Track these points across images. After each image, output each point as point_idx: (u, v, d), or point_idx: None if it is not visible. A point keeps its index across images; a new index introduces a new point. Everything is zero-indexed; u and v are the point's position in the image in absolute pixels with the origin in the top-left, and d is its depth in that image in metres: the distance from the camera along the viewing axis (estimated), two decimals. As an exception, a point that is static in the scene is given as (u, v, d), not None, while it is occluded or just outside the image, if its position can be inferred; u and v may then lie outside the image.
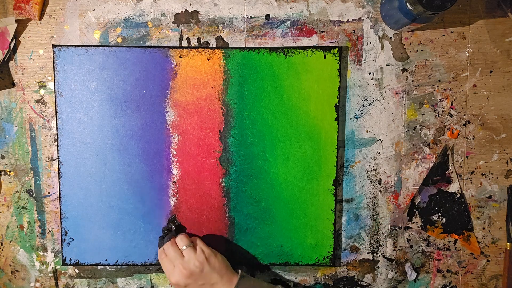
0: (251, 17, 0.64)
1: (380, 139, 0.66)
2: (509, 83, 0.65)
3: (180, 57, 0.63)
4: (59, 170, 0.64)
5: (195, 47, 0.63)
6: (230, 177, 0.65)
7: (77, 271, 0.67)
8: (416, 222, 0.67)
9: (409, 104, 0.65)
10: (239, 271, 0.60)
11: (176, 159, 0.64)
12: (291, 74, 0.63)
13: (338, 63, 0.63)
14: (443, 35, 0.65)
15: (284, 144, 0.64)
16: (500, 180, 0.67)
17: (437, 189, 0.67)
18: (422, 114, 0.65)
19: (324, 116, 0.64)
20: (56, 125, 0.63)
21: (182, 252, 0.59)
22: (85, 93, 0.63)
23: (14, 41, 0.63)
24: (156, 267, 0.67)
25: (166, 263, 0.59)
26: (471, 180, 0.67)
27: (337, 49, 0.63)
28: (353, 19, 0.64)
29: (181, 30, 0.64)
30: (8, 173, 0.65)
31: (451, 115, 0.66)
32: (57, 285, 0.67)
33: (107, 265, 0.66)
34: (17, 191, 0.66)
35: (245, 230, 0.65)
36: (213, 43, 0.64)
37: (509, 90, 0.65)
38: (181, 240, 0.60)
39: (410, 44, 0.65)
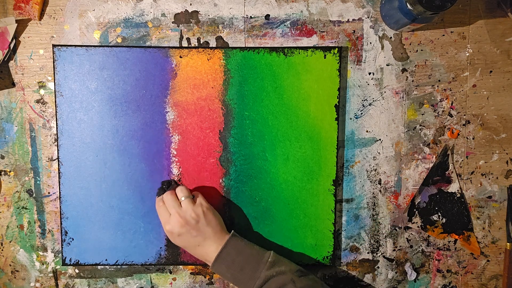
0: (251, 17, 0.64)
1: (380, 139, 0.66)
2: (509, 83, 0.65)
3: (180, 57, 0.63)
4: (59, 170, 0.64)
5: (195, 47, 0.63)
6: (230, 177, 0.65)
7: (77, 271, 0.67)
8: (416, 222, 0.67)
9: (409, 104, 0.65)
10: (232, 231, 0.60)
11: (176, 159, 0.64)
12: (291, 74, 0.63)
13: (338, 63, 0.63)
14: (443, 35, 0.65)
15: (284, 144, 0.64)
16: (500, 180, 0.67)
17: (437, 189, 0.67)
18: (422, 114, 0.65)
19: (324, 116, 0.64)
20: (56, 125, 0.63)
21: (180, 202, 0.58)
22: (85, 93, 0.63)
23: (14, 41, 0.63)
24: (156, 267, 0.67)
25: (162, 211, 0.59)
26: (471, 180, 0.67)
27: (337, 49, 0.63)
28: (353, 19, 0.64)
29: (181, 30, 0.64)
30: (8, 173, 0.65)
31: (451, 115, 0.66)
32: (57, 285, 0.67)
33: (107, 265, 0.66)
34: (17, 191, 0.66)
35: (245, 230, 0.65)
36: (213, 43, 0.64)
37: (509, 90, 0.65)
38: (181, 191, 0.59)
39: (410, 44, 0.65)
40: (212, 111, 0.64)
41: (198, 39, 0.64)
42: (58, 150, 0.63)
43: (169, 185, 0.61)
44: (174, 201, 0.58)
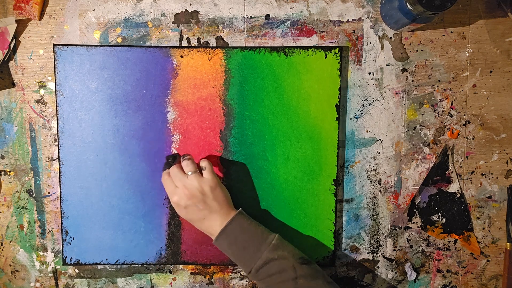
0: (251, 17, 0.64)
1: (380, 139, 0.66)
2: (509, 83, 0.65)
3: (181, 56, 0.63)
4: (59, 169, 0.64)
5: (195, 47, 0.63)
6: (231, 177, 0.65)
7: (77, 271, 0.67)
8: (416, 222, 0.67)
9: (409, 104, 0.65)
10: (240, 208, 0.60)
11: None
12: (292, 74, 0.63)
13: (339, 63, 0.63)
14: (443, 35, 0.65)
15: (284, 144, 0.64)
16: (500, 180, 0.67)
17: (437, 189, 0.67)
18: (422, 114, 0.66)
19: (325, 116, 0.64)
20: (57, 125, 0.63)
21: (187, 176, 0.58)
22: (86, 93, 0.63)
23: (14, 41, 0.63)
24: (156, 267, 0.67)
25: (169, 183, 0.59)
26: (471, 180, 0.67)
27: (338, 49, 0.63)
28: (353, 19, 0.64)
29: (181, 30, 0.64)
30: (8, 173, 0.65)
31: (451, 115, 0.66)
32: (57, 285, 0.67)
33: (107, 264, 0.66)
34: (17, 191, 0.66)
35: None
36: (213, 43, 0.64)
37: (509, 90, 0.66)
38: (187, 165, 0.59)
39: (410, 44, 0.65)
40: (212, 111, 0.64)
41: (198, 39, 0.64)
42: (59, 149, 0.63)
43: (174, 159, 0.61)
44: (180, 173, 0.58)
